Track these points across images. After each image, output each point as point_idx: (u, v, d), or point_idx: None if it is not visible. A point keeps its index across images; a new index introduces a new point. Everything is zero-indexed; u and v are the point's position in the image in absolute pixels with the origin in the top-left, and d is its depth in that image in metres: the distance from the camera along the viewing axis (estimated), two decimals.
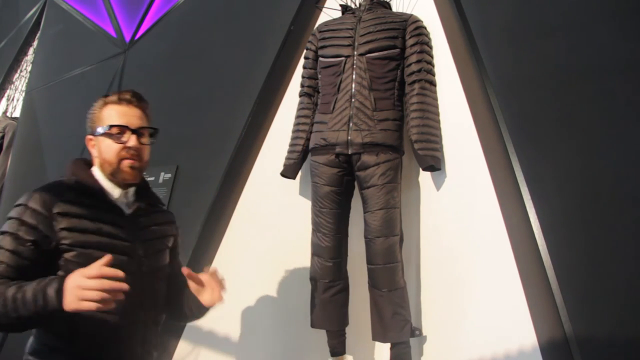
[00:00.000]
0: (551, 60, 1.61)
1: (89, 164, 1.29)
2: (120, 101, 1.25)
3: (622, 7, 1.56)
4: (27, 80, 4.49)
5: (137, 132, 1.24)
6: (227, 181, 2.25)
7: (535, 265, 1.46)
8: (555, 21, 1.65)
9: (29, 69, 4.70)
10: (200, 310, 1.35)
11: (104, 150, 1.23)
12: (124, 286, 0.99)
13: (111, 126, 1.22)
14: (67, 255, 1.13)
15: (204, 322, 2.08)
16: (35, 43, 4.70)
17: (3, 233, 1.11)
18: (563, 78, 1.58)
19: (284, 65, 2.38)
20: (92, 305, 0.96)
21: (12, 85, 4.94)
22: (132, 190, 1.31)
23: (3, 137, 4.25)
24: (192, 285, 1.29)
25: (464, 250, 1.79)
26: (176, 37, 3.02)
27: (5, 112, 4.75)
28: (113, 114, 1.24)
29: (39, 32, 4.48)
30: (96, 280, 0.97)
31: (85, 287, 0.97)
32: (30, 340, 1.19)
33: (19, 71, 4.95)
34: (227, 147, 2.28)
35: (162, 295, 1.35)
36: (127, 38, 3.39)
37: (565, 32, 1.62)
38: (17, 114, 4.55)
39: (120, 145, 1.22)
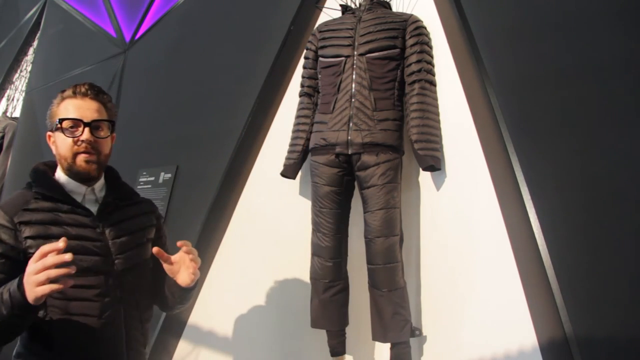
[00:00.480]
0: (551, 60, 1.61)
1: (52, 166, 1.27)
2: (75, 95, 1.22)
3: (622, 7, 1.56)
4: (27, 80, 4.49)
5: (90, 125, 1.19)
6: (227, 181, 2.25)
7: (535, 265, 1.46)
8: (555, 21, 1.65)
9: (29, 69, 4.70)
10: (181, 293, 1.28)
11: (59, 145, 1.21)
12: (66, 256, 0.95)
13: (61, 120, 1.19)
14: None
15: (204, 322, 2.09)
16: (35, 43, 4.71)
17: None
18: (563, 78, 1.58)
19: (284, 65, 2.38)
20: (46, 288, 0.94)
21: (12, 85, 4.94)
22: (99, 186, 1.27)
23: (3, 137, 4.25)
24: (166, 267, 1.23)
25: (464, 250, 1.79)
26: (176, 37, 3.02)
27: (5, 112, 4.75)
28: (69, 107, 1.21)
29: (39, 32, 4.49)
30: (40, 262, 0.95)
31: (33, 272, 0.95)
32: (17, 344, 1.18)
33: (19, 71, 4.95)
34: (227, 147, 2.28)
35: (146, 291, 1.30)
36: (127, 38, 3.40)
37: (565, 32, 1.62)
38: (17, 114, 4.55)
39: (74, 139, 1.19)
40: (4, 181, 3.96)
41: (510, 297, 1.54)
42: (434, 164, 1.82)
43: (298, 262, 2.11)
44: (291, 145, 2.11)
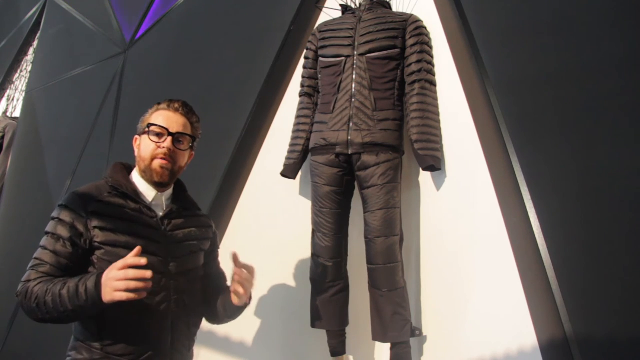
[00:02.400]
0: (551, 60, 1.61)
1: (129, 168, 1.38)
2: (169, 108, 1.35)
3: (622, 7, 1.56)
4: (27, 80, 4.49)
5: (174, 135, 1.30)
6: (227, 181, 2.25)
7: (535, 265, 1.46)
8: (555, 21, 1.65)
9: (29, 69, 4.69)
10: (231, 309, 1.38)
11: (142, 147, 1.32)
12: (147, 273, 1.06)
13: (150, 125, 1.31)
14: (98, 252, 1.20)
15: (204, 322, 2.09)
16: (35, 43, 4.70)
17: (46, 234, 1.22)
18: (563, 78, 1.58)
19: (284, 65, 2.38)
20: (124, 295, 1.04)
21: (12, 85, 4.93)
22: (167, 194, 1.37)
23: (3, 137, 4.25)
24: (234, 273, 1.31)
25: (464, 250, 1.79)
26: (176, 37, 3.02)
27: (5, 112, 4.75)
28: (160, 117, 1.33)
29: (39, 32, 4.48)
30: (122, 271, 1.06)
31: (114, 278, 1.06)
32: (72, 337, 1.26)
33: (19, 71, 4.95)
34: (227, 147, 2.28)
35: (195, 297, 1.36)
36: (127, 38, 3.39)
37: (565, 32, 1.62)
38: (17, 114, 4.55)
39: (156, 144, 1.30)
40: (4, 181, 3.95)
41: (510, 297, 1.54)
42: (434, 164, 1.82)
43: (298, 262, 2.11)
44: (291, 145, 2.11)
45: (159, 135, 1.31)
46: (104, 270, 1.10)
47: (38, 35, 4.53)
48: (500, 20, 1.78)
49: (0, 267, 3.07)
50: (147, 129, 1.31)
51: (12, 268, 2.88)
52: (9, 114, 4.71)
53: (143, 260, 1.07)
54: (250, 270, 1.32)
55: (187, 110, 1.37)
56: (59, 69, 3.79)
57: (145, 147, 1.31)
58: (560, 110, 1.55)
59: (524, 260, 1.53)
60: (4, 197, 3.77)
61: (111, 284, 1.06)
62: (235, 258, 1.31)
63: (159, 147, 1.30)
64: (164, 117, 1.32)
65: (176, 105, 1.35)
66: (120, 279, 1.05)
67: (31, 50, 4.81)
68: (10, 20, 5.12)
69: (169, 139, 1.30)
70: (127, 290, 1.04)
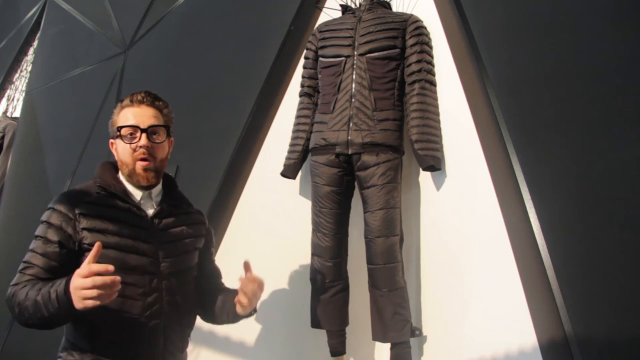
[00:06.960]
0: (551, 60, 1.61)
1: (117, 167, 1.32)
2: (132, 103, 1.27)
3: (621, 7, 1.57)
4: (27, 80, 4.49)
5: (147, 131, 1.25)
6: (227, 181, 2.25)
7: (535, 265, 1.46)
8: (555, 21, 1.65)
9: (29, 69, 4.69)
10: (234, 314, 1.34)
11: (120, 152, 1.27)
12: (116, 278, 1.01)
13: (120, 127, 1.25)
14: (88, 254, 1.15)
15: (204, 322, 2.09)
16: (35, 43, 4.70)
17: (35, 237, 1.19)
18: (563, 78, 1.58)
19: (284, 65, 2.38)
20: (91, 303, 1.00)
21: (12, 85, 4.93)
22: (156, 191, 1.33)
23: (3, 137, 4.25)
24: (242, 284, 1.27)
25: (464, 250, 1.79)
26: (176, 37, 3.02)
27: (5, 112, 4.75)
28: (127, 115, 1.26)
29: (39, 32, 4.48)
30: (89, 279, 1.00)
31: (81, 286, 1.00)
32: (63, 338, 1.24)
33: (19, 71, 4.95)
34: (227, 147, 2.28)
35: (189, 297, 1.33)
36: (127, 38, 3.39)
37: (565, 32, 1.62)
38: (17, 114, 4.55)
39: (133, 146, 1.24)
40: (4, 181, 3.95)
41: (510, 297, 1.54)
42: (434, 164, 1.82)
43: (298, 262, 2.11)
44: (291, 145, 2.11)
45: (131, 135, 1.24)
46: (71, 276, 1.06)
47: (38, 35, 4.53)
48: (500, 20, 1.78)
49: (0, 267, 3.07)
50: (118, 133, 1.25)
51: (12, 268, 2.87)
52: (9, 114, 4.71)
53: (110, 268, 1.01)
54: (259, 283, 1.27)
55: (152, 99, 1.28)
56: (59, 69, 3.79)
57: (122, 151, 1.26)
58: (560, 111, 1.55)
59: (524, 260, 1.53)
60: (4, 197, 3.77)
61: (80, 293, 1.01)
62: (247, 267, 1.27)
63: (135, 147, 1.24)
64: (131, 114, 1.25)
65: (139, 98, 1.27)
66: (87, 287, 1.00)
67: (31, 50, 4.81)
68: (10, 20, 5.12)
69: (143, 136, 1.24)
70: (99, 296, 1.00)
